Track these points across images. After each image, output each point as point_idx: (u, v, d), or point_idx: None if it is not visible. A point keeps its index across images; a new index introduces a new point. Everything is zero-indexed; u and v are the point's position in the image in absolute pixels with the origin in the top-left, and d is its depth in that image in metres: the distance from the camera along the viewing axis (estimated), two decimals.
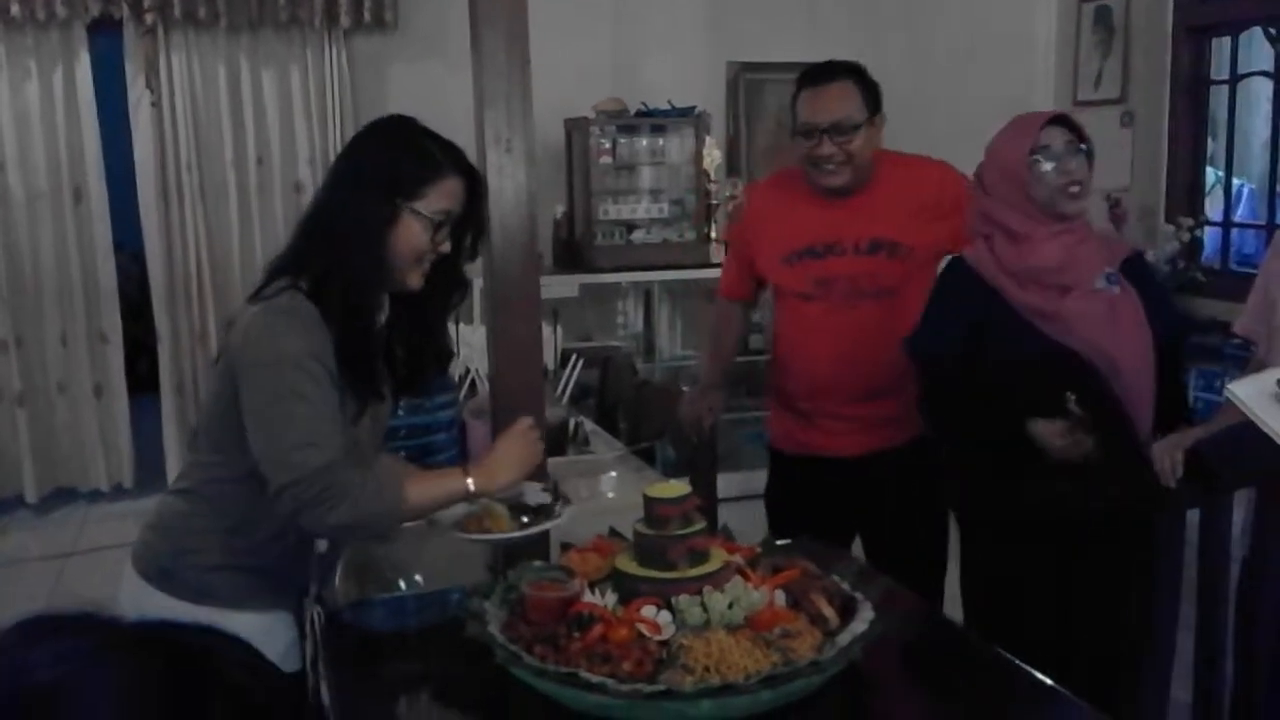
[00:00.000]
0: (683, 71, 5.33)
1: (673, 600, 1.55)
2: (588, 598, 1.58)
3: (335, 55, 5.04)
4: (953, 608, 2.33)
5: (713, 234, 5.09)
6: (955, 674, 1.75)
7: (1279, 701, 1.76)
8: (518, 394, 2.27)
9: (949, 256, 2.40)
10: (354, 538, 1.89)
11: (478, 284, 2.38)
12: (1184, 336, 2.35)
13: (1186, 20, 4.80)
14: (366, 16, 5.00)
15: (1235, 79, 4.78)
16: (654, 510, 1.63)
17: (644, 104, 5.15)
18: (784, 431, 2.72)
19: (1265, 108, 4.90)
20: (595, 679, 1.42)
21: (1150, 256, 4.49)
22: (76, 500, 5.10)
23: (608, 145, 5.08)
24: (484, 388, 2.67)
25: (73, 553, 4.50)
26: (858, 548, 2.68)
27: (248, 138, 5.06)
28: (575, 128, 5.13)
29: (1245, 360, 2.34)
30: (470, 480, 1.80)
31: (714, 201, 5.17)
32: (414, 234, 1.76)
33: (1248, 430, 1.61)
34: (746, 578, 1.63)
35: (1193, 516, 1.93)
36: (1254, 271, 2.61)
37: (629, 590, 1.59)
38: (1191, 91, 4.87)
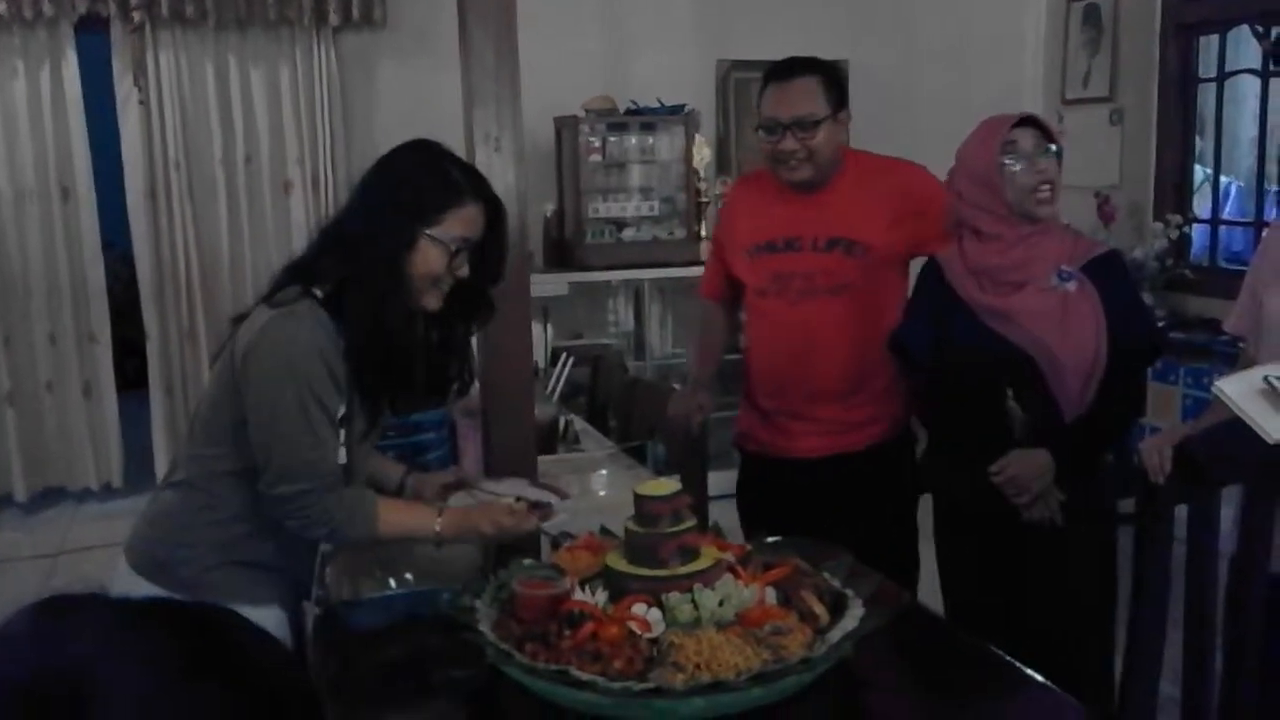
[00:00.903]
0: (672, 69, 5.33)
1: (663, 598, 1.55)
2: (578, 596, 1.58)
3: (324, 53, 5.03)
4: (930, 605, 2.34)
5: (703, 232, 5.10)
6: (945, 670, 1.76)
7: (1267, 698, 1.77)
8: (508, 392, 2.27)
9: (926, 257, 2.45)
10: (335, 543, 1.95)
11: None
12: (1152, 343, 2.32)
13: (1174, 18, 4.82)
14: (355, 14, 4.99)
15: (1223, 77, 4.80)
16: (644, 508, 1.63)
17: (634, 102, 5.15)
18: (747, 430, 2.73)
19: (1253, 105, 4.91)
20: (586, 677, 1.42)
21: (1139, 254, 4.51)
22: (66, 500, 5.08)
23: (597, 143, 5.07)
24: (474, 386, 2.66)
25: (62, 552, 4.49)
26: None
27: (236, 136, 5.04)
28: (565, 126, 5.12)
29: (1235, 357, 2.34)
30: (439, 525, 1.86)
31: (704, 200, 5.17)
32: (431, 258, 1.78)
33: (1236, 427, 1.62)
34: (737, 575, 1.63)
35: (1180, 513, 1.94)
36: (1243, 269, 2.62)
37: (619, 588, 1.59)
38: (1180, 89, 4.89)
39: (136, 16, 4.76)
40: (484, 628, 1.56)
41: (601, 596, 1.59)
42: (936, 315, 2.29)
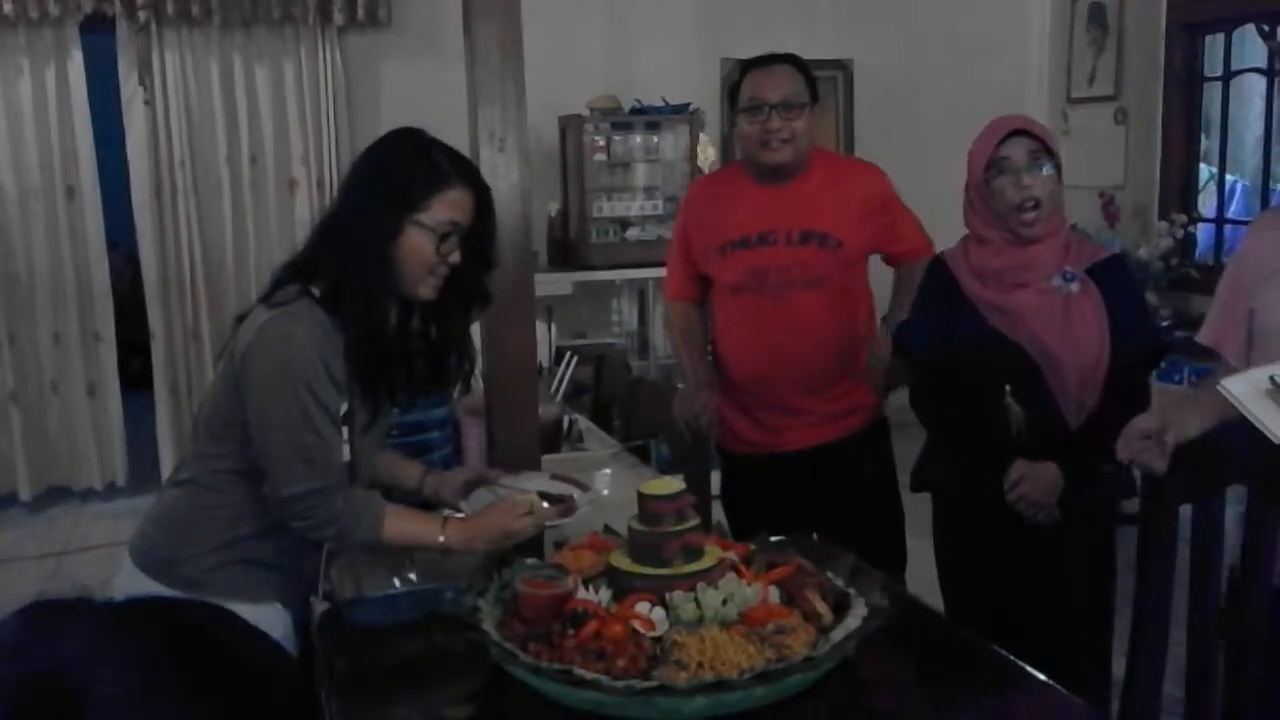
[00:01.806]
0: (677, 68, 5.33)
1: (667, 597, 1.55)
2: (582, 595, 1.58)
3: (329, 52, 5.04)
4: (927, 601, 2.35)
5: None
6: (948, 669, 1.76)
7: (1271, 700, 1.77)
8: (512, 391, 2.27)
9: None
10: (339, 547, 1.94)
11: None
12: (1156, 347, 2.31)
13: (1179, 17, 4.81)
14: (360, 14, 5.00)
15: (1228, 76, 4.80)
16: (648, 507, 1.63)
17: (638, 101, 5.15)
18: (731, 431, 2.74)
19: (1258, 104, 4.91)
20: (589, 676, 1.42)
21: (1143, 253, 4.50)
22: (70, 499, 5.09)
23: (602, 142, 5.08)
24: (478, 385, 2.67)
25: (66, 551, 4.50)
26: None
27: (241, 135, 5.05)
28: (569, 125, 5.12)
29: (1205, 376, 2.15)
30: (444, 536, 1.86)
31: None
32: (419, 245, 1.78)
33: (1240, 427, 1.62)
34: (740, 574, 1.63)
35: (1184, 513, 1.94)
36: None
37: (623, 587, 1.60)
38: (1185, 88, 4.88)
39: (142, 16, 4.77)
40: (488, 627, 1.56)
41: (605, 595, 1.59)
42: (941, 310, 2.30)
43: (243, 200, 5.09)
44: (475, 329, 2.79)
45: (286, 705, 0.71)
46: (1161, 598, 1.83)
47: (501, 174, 2.20)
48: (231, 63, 4.99)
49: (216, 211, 5.07)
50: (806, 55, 2.69)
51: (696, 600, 1.55)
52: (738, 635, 1.49)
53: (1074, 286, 2.18)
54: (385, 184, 1.78)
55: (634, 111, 5.13)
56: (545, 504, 1.94)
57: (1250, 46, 4.79)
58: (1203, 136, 4.96)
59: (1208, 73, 4.84)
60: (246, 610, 1.79)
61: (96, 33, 4.88)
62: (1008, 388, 2.18)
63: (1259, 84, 4.77)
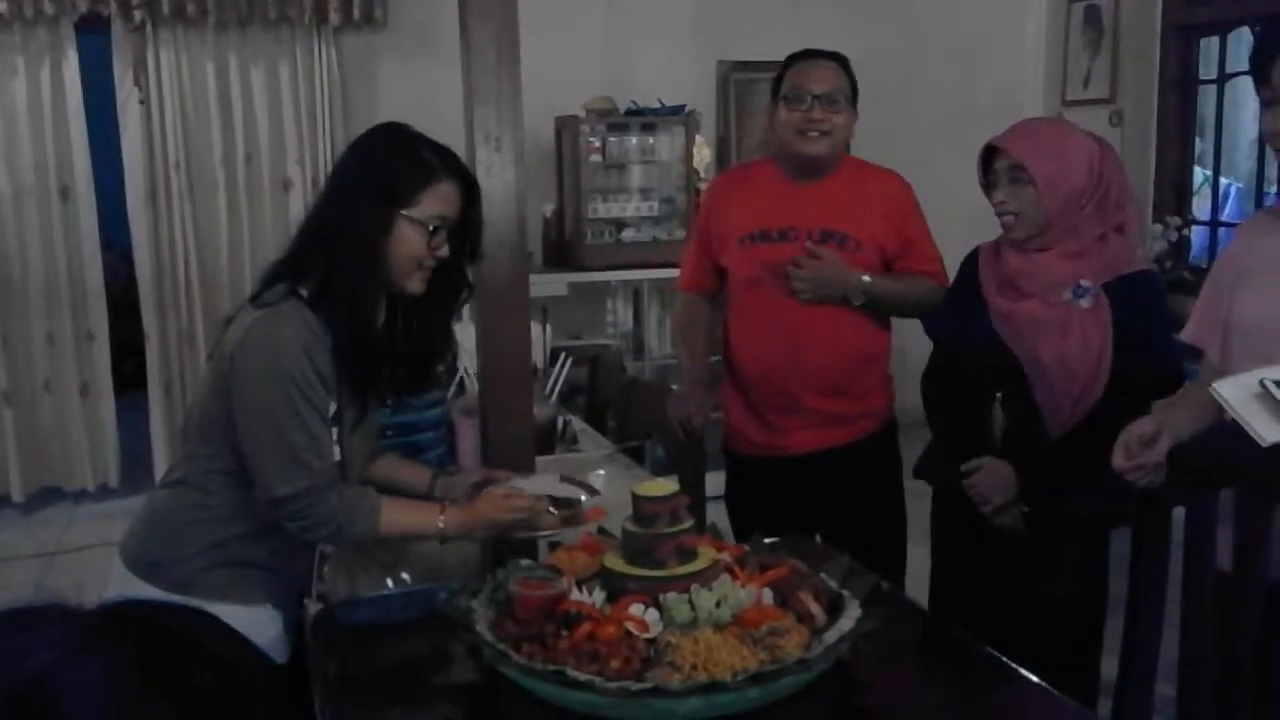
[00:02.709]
0: (673, 70, 5.33)
1: (660, 598, 1.55)
2: (575, 596, 1.58)
3: (325, 53, 5.03)
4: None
5: None
6: (942, 671, 1.76)
7: (1263, 699, 1.77)
8: (507, 392, 2.27)
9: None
10: (336, 545, 1.94)
11: None
12: (1169, 373, 2.16)
13: (1175, 20, 4.83)
14: (356, 14, 4.99)
15: (1223, 79, 4.81)
16: (642, 508, 1.63)
17: (634, 102, 5.15)
18: (739, 432, 2.73)
19: (1253, 107, 4.90)
20: (583, 677, 1.42)
21: (1138, 255, 4.51)
22: (63, 500, 5.07)
23: (597, 144, 5.07)
24: (473, 386, 2.66)
25: (58, 551, 4.48)
26: None
27: (236, 136, 5.04)
28: (565, 126, 5.12)
29: (1194, 378, 2.06)
30: (443, 522, 1.85)
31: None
32: (410, 240, 1.77)
33: (1231, 430, 1.62)
34: (734, 576, 1.63)
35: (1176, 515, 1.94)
36: None
37: (617, 588, 1.59)
38: (1179, 91, 4.89)
39: (137, 15, 4.76)
40: (481, 628, 1.56)
41: (599, 597, 1.59)
42: (962, 306, 2.33)
43: (238, 201, 5.08)
44: (461, 329, 2.79)
45: (264, 712, 0.71)
46: (1155, 599, 1.83)
47: (497, 174, 2.20)
48: (227, 63, 4.98)
49: (211, 212, 5.06)
50: None
51: (690, 602, 1.55)
52: (731, 637, 1.49)
53: (1084, 301, 2.16)
54: (374, 180, 1.77)
55: (630, 113, 5.13)
56: (552, 509, 1.93)
57: (1245, 49, 4.80)
58: (1197, 139, 4.97)
59: (1202, 76, 4.86)
60: (240, 612, 1.80)
61: (91, 32, 4.87)
62: (998, 395, 2.19)
63: (1253, 87, 4.78)
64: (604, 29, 5.38)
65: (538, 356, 3.04)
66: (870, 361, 2.64)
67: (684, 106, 5.16)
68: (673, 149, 5.15)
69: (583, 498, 1.98)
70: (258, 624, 1.83)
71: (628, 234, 5.15)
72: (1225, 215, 4.97)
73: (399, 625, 1.83)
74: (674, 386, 3.16)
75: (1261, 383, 1.61)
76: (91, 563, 4.15)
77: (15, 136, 4.83)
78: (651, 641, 1.50)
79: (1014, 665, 1.66)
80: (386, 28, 5.11)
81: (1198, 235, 4.90)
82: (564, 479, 2.03)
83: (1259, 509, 1.72)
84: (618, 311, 5.46)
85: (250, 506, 1.79)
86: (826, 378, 2.59)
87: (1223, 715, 1.78)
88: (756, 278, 2.61)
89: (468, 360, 2.70)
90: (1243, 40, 4.76)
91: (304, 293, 1.76)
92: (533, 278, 2.61)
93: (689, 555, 1.62)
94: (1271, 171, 4.65)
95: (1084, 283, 2.17)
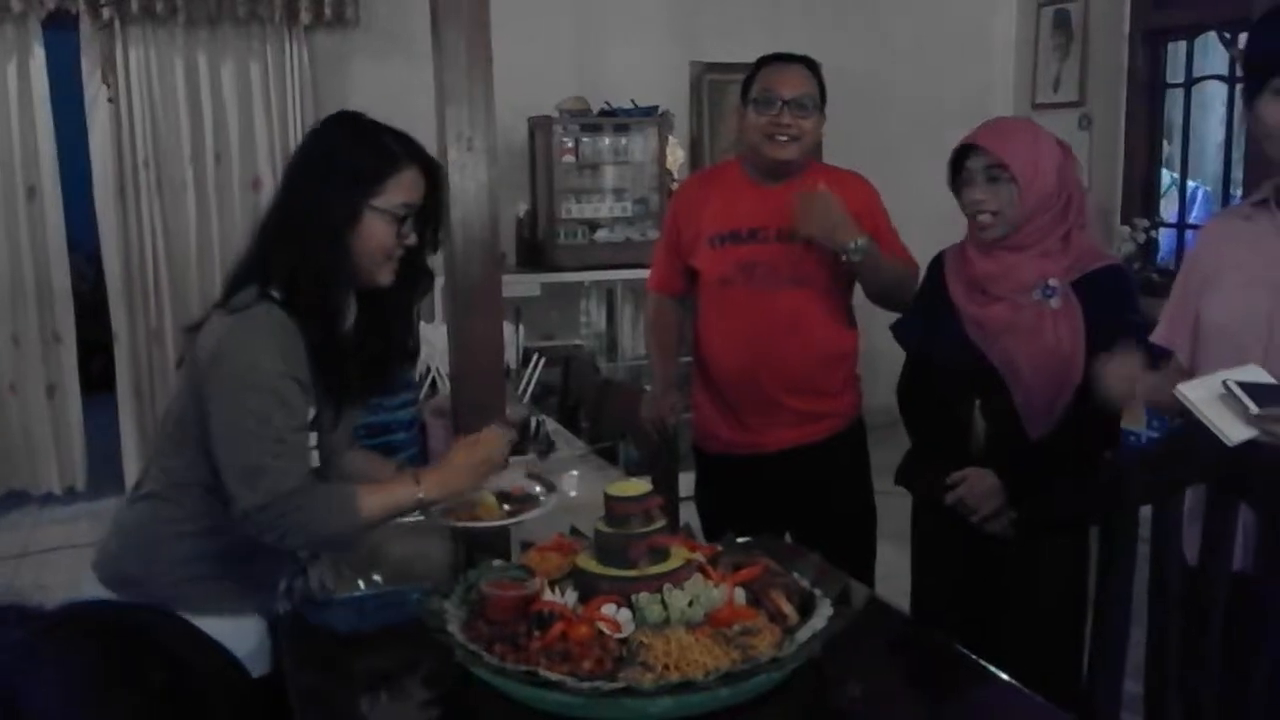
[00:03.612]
0: (646, 71, 5.34)
1: (633, 598, 1.55)
2: (548, 596, 1.57)
3: (296, 51, 5.00)
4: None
5: None
6: (914, 670, 1.77)
7: (1229, 693, 1.79)
8: (479, 393, 2.26)
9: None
10: (317, 550, 1.90)
11: (439, 282, 2.37)
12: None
13: (1143, 24, 4.88)
14: (327, 13, 4.96)
15: (1190, 82, 4.86)
16: (615, 508, 1.63)
17: (607, 103, 5.15)
18: (710, 430, 2.74)
19: (1220, 111, 4.97)
20: (554, 677, 1.42)
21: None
22: (29, 503, 5.01)
23: (571, 144, 5.07)
24: (445, 386, 2.66)
25: (25, 554, 4.43)
26: None
27: (206, 134, 5.00)
28: (538, 126, 5.12)
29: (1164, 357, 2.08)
30: (420, 489, 1.79)
31: None
32: (378, 231, 1.74)
33: (1197, 430, 1.64)
34: (707, 575, 1.64)
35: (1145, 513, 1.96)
36: None
37: (589, 588, 1.59)
38: (1148, 95, 4.94)
39: (105, 13, 4.71)
40: (453, 629, 1.56)
41: (571, 597, 1.59)
42: (928, 310, 2.33)
43: (207, 200, 5.04)
44: (433, 329, 2.78)
45: (225, 713, 0.70)
46: (1122, 595, 1.85)
47: (470, 174, 2.19)
48: (197, 61, 4.94)
49: (181, 211, 5.01)
50: None
51: (663, 601, 1.55)
52: (704, 636, 1.49)
53: (1054, 301, 2.16)
54: (336, 171, 1.73)
55: (603, 113, 5.13)
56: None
57: (1212, 54, 4.86)
58: (1165, 142, 5.03)
59: (1170, 79, 4.91)
60: (225, 624, 1.73)
61: (59, 29, 4.81)
62: (977, 402, 2.19)
63: (1220, 91, 4.84)
64: (577, 29, 5.38)
65: (510, 357, 3.04)
66: (839, 359, 2.68)
67: (657, 107, 5.17)
68: (646, 150, 5.16)
69: (540, 493, 1.99)
70: (242, 633, 1.79)
71: (601, 234, 5.15)
72: (1193, 217, 5.02)
73: (371, 626, 1.81)
74: (647, 387, 3.17)
75: (1225, 384, 1.64)
76: (59, 565, 4.11)
77: None
78: (624, 641, 1.50)
79: (986, 665, 1.67)
80: (358, 27, 5.09)
81: (1165, 237, 4.96)
82: (529, 475, 2.03)
83: (1222, 506, 1.74)
84: (591, 312, 5.46)
85: (225, 517, 1.72)
86: (797, 375, 2.62)
87: (1189, 711, 1.80)
88: (728, 277, 2.63)
89: (439, 360, 2.69)
90: (1210, 44, 4.81)
91: (275, 294, 1.71)
92: (505, 278, 2.61)
93: (661, 555, 1.62)
94: (1237, 174, 4.71)
95: (1052, 282, 2.16)
